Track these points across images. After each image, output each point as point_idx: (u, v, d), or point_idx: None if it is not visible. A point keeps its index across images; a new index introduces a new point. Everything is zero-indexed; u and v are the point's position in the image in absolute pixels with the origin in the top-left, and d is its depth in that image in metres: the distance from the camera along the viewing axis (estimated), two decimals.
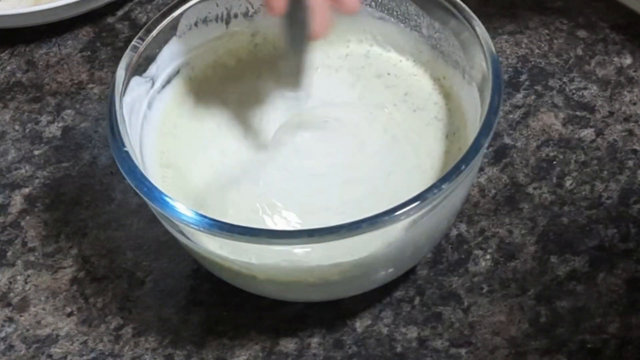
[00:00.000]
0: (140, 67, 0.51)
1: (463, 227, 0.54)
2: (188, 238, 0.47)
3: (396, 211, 0.43)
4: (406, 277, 0.52)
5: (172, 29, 0.52)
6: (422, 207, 0.44)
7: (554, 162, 0.56)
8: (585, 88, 0.59)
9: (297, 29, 0.48)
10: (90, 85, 0.63)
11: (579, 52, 0.61)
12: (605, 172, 0.56)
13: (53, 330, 0.52)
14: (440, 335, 0.50)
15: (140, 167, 0.46)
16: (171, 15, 0.52)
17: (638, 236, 0.53)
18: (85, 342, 0.52)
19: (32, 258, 0.55)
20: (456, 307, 0.51)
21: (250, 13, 0.54)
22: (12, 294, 0.54)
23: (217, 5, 0.53)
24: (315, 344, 0.51)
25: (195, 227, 0.44)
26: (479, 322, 0.51)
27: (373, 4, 0.54)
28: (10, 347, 0.52)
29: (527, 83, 0.60)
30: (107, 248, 0.55)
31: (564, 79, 0.60)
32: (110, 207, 0.57)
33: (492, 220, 0.54)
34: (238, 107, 0.53)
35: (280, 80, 0.52)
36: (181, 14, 0.52)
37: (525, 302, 0.51)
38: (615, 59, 0.61)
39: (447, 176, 0.44)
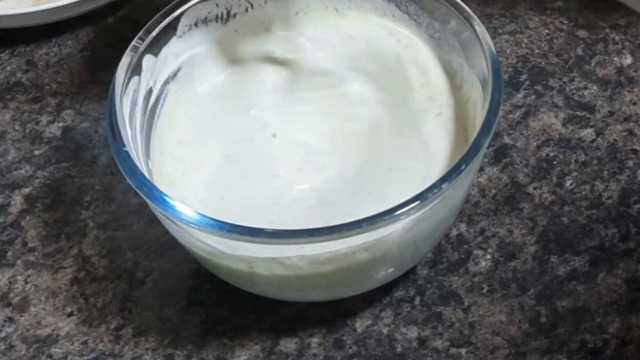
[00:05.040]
0: (140, 67, 0.51)
1: (463, 227, 0.54)
2: (189, 238, 0.47)
3: (396, 211, 0.43)
4: (406, 277, 0.52)
5: (172, 29, 0.52)
6: (422, 207, 0.44)
7: (554, 162, 0.56)
8: (585, 88, 0.59)
9: None
10: (90, 85, 0.63)
11: (579, 52, 0.61)
12: (605, 172, 0.56)
13: (53, 330, 0.52)
14: (440, 335, 0.50)
15: (142, 169, 0.47)
16: (171, 15, 0.52)
17: (638, 236, 0.53)
18: (85, 342, 0.52)
19: (32, 258, 0.55)
20: (456, 307, 0.51)
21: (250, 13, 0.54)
22: (12, 294, 0.54)
23: (217, 5, 0.53)
24: (315, 344, 0.51)
25: (196, 227, 0.44)
26: (479, 322, 0.51)
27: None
28: (11, 347, 0.52)
29: (527, 83, 0.60)
30: (107, 248, 0.55)
31: (564, 79, 0.60)
32: (110, 207, 0.57)
33: (492, 220, 0.54)
34: (238, 102, 0.53)
35: (271, 19, 0.53)
36: (181, 14, 0.52)
37: (525, 302, 0.51)
38: (615, 59, 0.61)
39: (447, 176, 0.44)
